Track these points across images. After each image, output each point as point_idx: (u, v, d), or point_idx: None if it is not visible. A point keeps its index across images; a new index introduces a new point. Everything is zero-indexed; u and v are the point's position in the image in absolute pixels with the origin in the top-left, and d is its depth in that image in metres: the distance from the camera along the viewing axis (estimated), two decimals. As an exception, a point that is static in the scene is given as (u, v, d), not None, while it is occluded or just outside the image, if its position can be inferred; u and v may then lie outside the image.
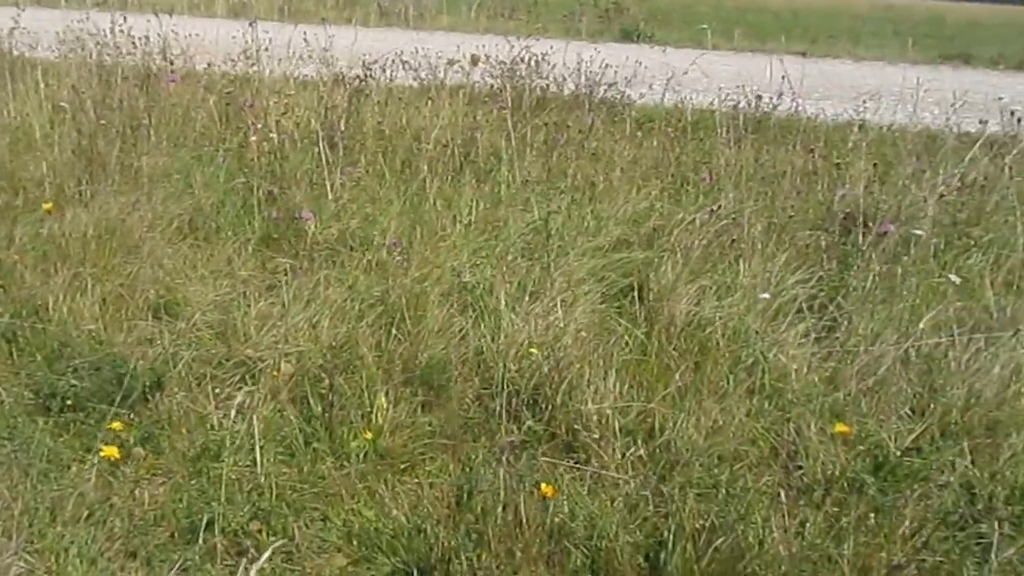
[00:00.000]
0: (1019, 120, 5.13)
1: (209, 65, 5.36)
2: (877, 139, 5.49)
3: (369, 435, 2.51)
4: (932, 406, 2.80)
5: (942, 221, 3.98)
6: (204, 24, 7.59)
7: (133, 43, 5.59)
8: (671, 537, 2.16)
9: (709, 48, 11.65)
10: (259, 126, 4.04)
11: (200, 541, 2.17)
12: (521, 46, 6.31)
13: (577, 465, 2.51)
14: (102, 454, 2.25)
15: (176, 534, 2.24)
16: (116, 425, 2.40)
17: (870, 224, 3.60)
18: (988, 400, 2.81)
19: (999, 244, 3.91)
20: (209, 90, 4.82)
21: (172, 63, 5.18)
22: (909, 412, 2.80)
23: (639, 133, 5.65)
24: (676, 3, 19.33)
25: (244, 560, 2.13)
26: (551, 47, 6.64)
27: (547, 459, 2.50)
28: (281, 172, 3.92)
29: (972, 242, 3.92)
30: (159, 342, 2.87)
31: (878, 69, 11.93)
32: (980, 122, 5.03)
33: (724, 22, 14.60)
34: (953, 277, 3.32)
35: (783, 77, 5.55)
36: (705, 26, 11.35)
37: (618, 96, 6.44)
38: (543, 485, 2.20)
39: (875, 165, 4.37)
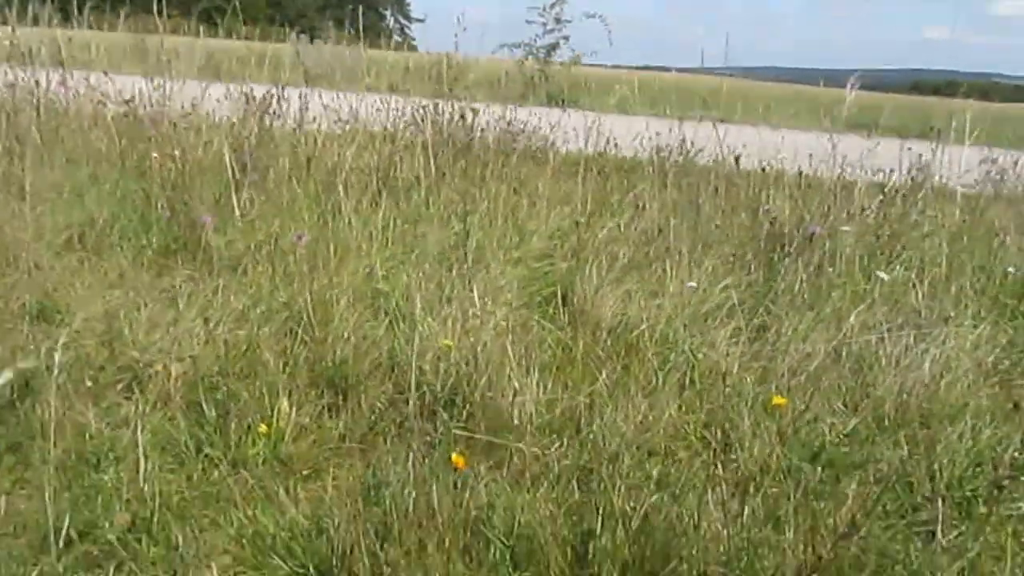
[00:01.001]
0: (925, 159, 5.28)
1: (120, 94, 5.01)
2: (796, 182, 5.53)
3: (264, 427, 2.26)
4: (865, 400, 2.70)
5: (864, 237, 3.96)
6: (118, 77, 7.29)
7: (36, 84, 5.28)
8: (599, 524, 1.96)
9: (633, 113, 11.86)
10: (161, 143, 3.77)
11: (60, 546, 1.89)
12: (446, 100, 6.14)
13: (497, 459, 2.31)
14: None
15: (39, 544, 1.96)
16: (-29, 428, 2.11)
17: (796, 231, 3.55)
18: (920, 393, 2.72)
19: (920, 259, 3.89)
20: (105, 104, 4.51)
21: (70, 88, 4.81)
22: (843, 406, 2.68)
23: (563, 170, 5.57)
24: (596, 78, 19.85)
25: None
26: (475, 100, 6.54)
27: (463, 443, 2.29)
28: (183, 184, 3.66)
29: (895, 255, 3.90)
30: (32, 348, 2.59)
31: (793, 135, 12.29)
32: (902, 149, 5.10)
33: (646, 95, 14.93)
34: (882, 274, 3.26)
35: (704, 134, 5.53)
36: (629, 94, 11.58)
37: (542, 143, 6.38)
38: (453, 455, 1.98)
39: (800, 173, 4.35)
